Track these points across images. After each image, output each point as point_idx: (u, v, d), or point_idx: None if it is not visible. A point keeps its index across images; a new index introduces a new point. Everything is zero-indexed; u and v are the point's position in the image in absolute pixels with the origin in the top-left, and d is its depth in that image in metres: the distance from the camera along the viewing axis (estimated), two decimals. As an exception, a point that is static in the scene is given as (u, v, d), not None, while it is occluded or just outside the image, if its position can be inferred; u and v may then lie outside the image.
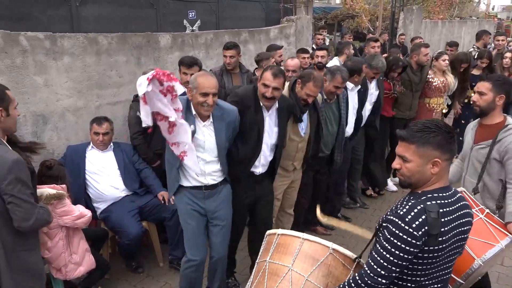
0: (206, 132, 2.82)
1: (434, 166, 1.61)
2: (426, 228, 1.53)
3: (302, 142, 3.47)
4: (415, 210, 1.56)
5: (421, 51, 4.94)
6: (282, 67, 4.98)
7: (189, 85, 2.70)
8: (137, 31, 4.56)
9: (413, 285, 1.65)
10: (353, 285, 1.67)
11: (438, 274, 1.68)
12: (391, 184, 5.45)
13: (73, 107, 3.97)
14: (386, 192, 5.39)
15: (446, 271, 1.71)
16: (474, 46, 7.16)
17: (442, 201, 1.60)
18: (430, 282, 1.68)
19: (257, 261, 2.12)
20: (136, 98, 3.93)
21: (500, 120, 2.74)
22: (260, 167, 3.18)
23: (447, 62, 5.08)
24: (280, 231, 2.07)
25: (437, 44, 11.44)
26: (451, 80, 5.17)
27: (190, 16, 5.84)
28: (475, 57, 5.84)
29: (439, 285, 1.71)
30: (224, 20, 6.39)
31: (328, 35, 12.00)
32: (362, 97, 4.34)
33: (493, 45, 6.85)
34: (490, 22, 16.94)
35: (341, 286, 1.72)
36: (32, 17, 4.80)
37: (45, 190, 2.88)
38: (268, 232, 2.16)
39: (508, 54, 5.64)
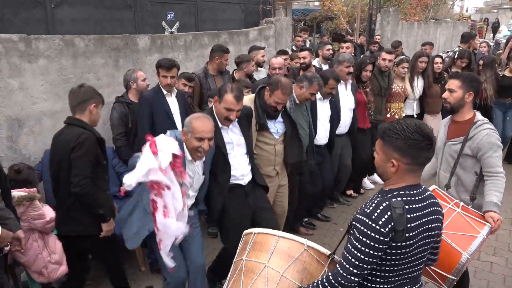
0: (195, 171, 2.76)
1: (393, 166, 1.65)
2: (392, 224, 1.57)
3: (278, 145, 3.45)
4: (381, 207, 1.60)
5: (381, 55, 5.01)
6: (262, 68, 5.02)
7: (184, 127, 2.61)
8: (114, 33, 4.51)
9: (382, 280, 1.69)
10: (326, 284, 1.69)
11: (406, 271, 1.71)
12: (368, 183, 5.56)
13: (50, 111, 3.90)
14: (366, 191, 5.47)
15: (415, 268, 1.74)
16: (460, 47, 7.27)
17: (408, 198, 1.64)
18: (399, 278, 1.71)
19: (234, 260, 2.14)
20: (118, 99, 3.88)
21: (470, 116, 2.82)
22: (244, 177, 3.12)
23: (406, 69, 5.19)
24: (256, 230, 2.10)
25: (413, 45, 11.69)
26: (409, 87, 5.28)
27: (169, 18, 5.79)
28: (456, 56, 5.98)
29: (407, 281, 1.74)
30: (203, 22, 6.37)
31: (307, 36, 12.09)
32: (335, 104, 4.33)
33: (457, 47, 7.02)
34: (464, 24, 17.41)
35: (315, 284, 1.74)
36: (5, 19, 4.69)
37: (17, 192, 2.83)
38: (245, 232, 2.18)
39: (480, 62, 5.90)
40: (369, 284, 1.72)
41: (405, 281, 1.74)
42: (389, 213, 1.58)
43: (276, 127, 3.44)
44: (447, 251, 2.31)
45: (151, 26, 5.46)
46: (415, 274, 1.76)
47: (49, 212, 2.99)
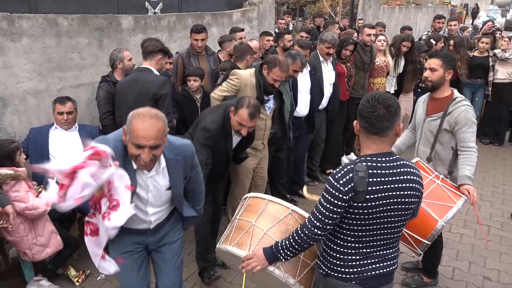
0: (151, 185, 2.13)
1: (356, 126, 1.86)
2: (352, 185, 1.72)
3: (268, 120, 3.64)
4: (345, 170, 1.77)
5: (364, 31, 5.19)
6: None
7: (125, 124, 1.98)
8: (97, 14, 4.49)
9: (353, 239, 1.84)
10: (294, 234, 1.89)
11: (379, 232, 1.83)
12: (346, 161, 5.78)
13: (34, 90, 3.90)
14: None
15: (387, 231, 1.84)
16: (429, 31, 7.55)
17: (374, 164, 1.77)
18: (371, 239, 1.84)
19: (231, 219, 2.39)
20: (104, 79, 3.92)
21: (448, 93, 2.99)
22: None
23: (382, 42, 5.39)
24: (251, 194, 2.39)
25: (394, 29, 11.85)
26: (390, 60, 5.51)
27: (152, -2, 5.77)
28: (433, 41, 6.19)
29: (380, 243, 1.86)
30: (186, 3, 6.36)
31: (291, 20, 12.12)
32: (317, 78, 4.50)
33: (446, 30, 7.24)
34: (444, 9, 17.66)
35: (288, 236, 1.94)
36: (-15, -3, 4.61)
37: (3, 170, 2.87)
38: (244, 196, 2.45)
39: (451, 42, 6.24)
40: (341, 243, 1.86)
41: (378, 242, 1.85)
42: (351, 174, 1.73)
43: (269, 103, 3.58)
44: (425, 218, 2.49)
45: (134, 7, 5.44)
46: (390, 236, 1.86)
47: (31, 199, 2.94)
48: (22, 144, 3.41)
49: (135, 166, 2.02)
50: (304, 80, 4.35)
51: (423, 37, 7.04)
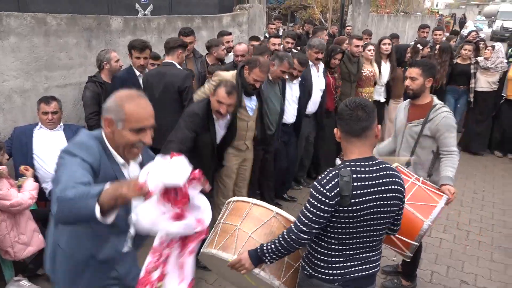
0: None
1: (337, 133, 1.93)
2: (338, 189, 1.77)
3: (251, 121, 3.68)
4: (330, 175, 1.82)
5: (352, 42, 5.28)
6: (231, 53, 5.17)
7: (107, 113, 1.74)
8: (88, 13, 4.51)
9: (337, 242, 1.89)
10: (281, 239, 1.93)
11: (362, 234, 1.89)
12: (338, 161, 5.85)
13: (20, 89, 3.90)
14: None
15: (370, 233, 1.90)
16: (416, 39, 7.70)
17: (358, 169, 1.83)
18: (355, 241, 1.90)
19: (215, 224, 2.38)
20: (91, 79, 3.93)
21: (428, 100, 3.09)
22: None
23: (372, 52, 5.49)
24: (235, 198, 2.40)
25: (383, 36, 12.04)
26: (377, 70, 5.60)
27: (142, 0, 5.80)
28: (420, 47, 6.32)
29: (363, 245, 1.92)
30: (177, 6, 6.40)
31: (281, 25, 12.25)
32: (307, 88, 4.57)
33: (431, 39, 7.40)
34: (432, 18, 18.00)
35: (274, 240, 1.97)
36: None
37: None
38: (228, 200, 2.46)
39: (437, 47, 6.47)
40: (325, 245, 1.91)
41: (362, 245, 1.90)
42: (336, 180, 1.79)
43: (251, 104, 3.64)
44: (411, 220, 2.56)
45: (125, 8, 5.47)
46: (372, 239, 1.92)
47: (14, 195, 2.96)
48: (6, 143, 3.40)
49: (121, 161, 1.79)
50: (293, 89, 4.41)
51: (411, 44, 7.19)
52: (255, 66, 3.42)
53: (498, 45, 6.55)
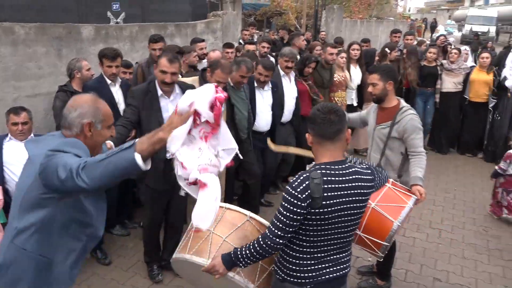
0: None
1: (309, 137, 1.97)
2: (309, 192, 1.81)
3: None
4: (301, 178, 1.86)
5: (327, 50, 5.41)
6: (204, 60, 5.18)
7: (84, 119, 1.81)
8: (58, 22, 4.45)
9: (308, 244, 1.92)
10: (256, 245, 1.93)
11: (332, 237, 1.93)
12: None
13: (-12, 99, 3.82)
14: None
15: (340, 235, 1.95)
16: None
17: (328, 172, 1.88)
18: (326, 243, 1.94)
19: (187, 230, 2.36)
20: (61, 88, 3.87)
21: (395, 103, 3.17)
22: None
23: (344, 59, 5.68)
24: None
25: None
26: (348, 75, 5.77)
27: (114, 8, 5.77)
28: (385, 48, 6.51)
29: (334, 247, 1.96)
30: (150, 14, 6.39)
31: (257, 31, 12.36)
32: (279, 95, 4.61)
33: (403, 43, 7.59)
34: (404, 23, 18.47)
35: (248, 245, 1.97)
36: None
37: None
38: None
39: (404, 50, 6.72)
40: (297, 248, 1.94)
41: (332, 247, 1.95)
42: (307, 182, 1.82)
43: None
44: (381, 221, 2.62)
45: (96, 16, 5.43)
46: (342, 241, 1.97)
47: None
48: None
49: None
50: (265, 97, 4.43)
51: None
52: (216, 67, 3.43)
53: (465, 49, 6.83)
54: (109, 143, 2.35)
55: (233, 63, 3.98)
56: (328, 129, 1.88)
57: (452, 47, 7.45)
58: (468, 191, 5.53)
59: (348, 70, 5.77)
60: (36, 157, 1.72)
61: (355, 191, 1.91)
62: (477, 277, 3.69)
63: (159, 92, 3.18)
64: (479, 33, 21.71)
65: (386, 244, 2.63)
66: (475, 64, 6.99)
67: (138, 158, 1.50)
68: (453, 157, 6.85)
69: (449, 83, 6.62)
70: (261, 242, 1.91)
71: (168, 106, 3.20)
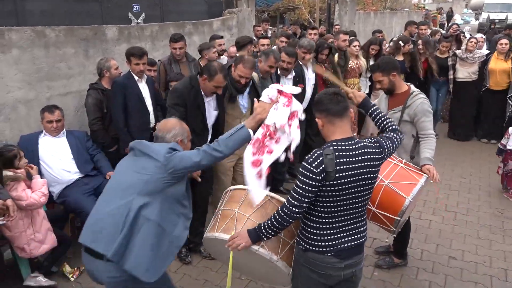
0: None
1: (319, 123, 2.19)
2: (323, 166, 2.01)
3: (243, 118, 3.86)
4: (315, 154, 2.06)
5: (340, 37, 5.60)
6: (223, 56, 5.40)
7: (177, 137, 2.50)
8: (83, 25, 4.72)
9: (326, 215, 2.13)
10: (276, 215, 2.15)
11: (348, 207, 2.12)
12: None
13: (24, 99, 4.11)
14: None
15: (356, 205, 2.14)
16: (401, 33, 8.01)
17: (340, 147, 2.08)
18: (343, 213, 2.13)
19: (214, 212, 2.60)
20: (92, 86, 4.14)
21: (405, 89, 3.34)
22: None
23: (357, 47, 5.87)
24: (232, 187, 2.63)
25: (370, 34, 12.28)
26: (363, 63, 5.97)
27: (135, 9, 6.01)
28: (402, 43, 6.59)
29: (351, 216, 2.16)
30: (168, 14, 6.62)
31: (271, 27, 12.51)
32: (300, 83, 4.80)
33: (417, 33, 7.66)
34: (418, 13, 18.31)
35: (270, 217, 2.19)
36: (-27, 12, 4.79)
37: (5, 172, 3.10)
38: (225, 190, 2.68)
39: (419, 42, 6.75)
40: (317, 219, 2.14)
41: (348, 216, 2.15)
42: (321, 158, 2.02)
43: (243, 102, 3.84)
44: (394, 197, 2.80)
45: (118, 18, 5.67)
46: (357, 212, 2.17)
47: (28, 195, 3.17)
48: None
49: None
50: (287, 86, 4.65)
51: (394, 39, 7.45)
52: (239, 62, 3.62)
53: (481, 36, 6.90)
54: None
55: (261, 54, 4.20)
56: (336, 106, 2.10)
57: (467, 35, 7.49)
58: (484, 177, 5.61)
59: (367, 61, 5.95)
60: (154, 152, 2.30)
61: (365, 163, 2.10)
62: (492, 255, 3.81)
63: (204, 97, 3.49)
64: (497, 20, 21.30)
65: (399, 218, 2.79)
66: (490, 52, 7.02)
67: (251, 132, 2.39)
68: (469, 144, 6.91)
69: (463, 73, 6.70)
70: (280, 212, 2.12)
71: (210, 103, 3.56)
